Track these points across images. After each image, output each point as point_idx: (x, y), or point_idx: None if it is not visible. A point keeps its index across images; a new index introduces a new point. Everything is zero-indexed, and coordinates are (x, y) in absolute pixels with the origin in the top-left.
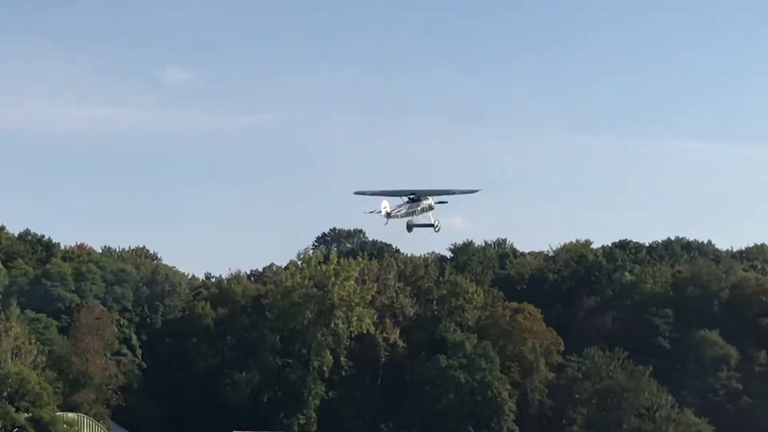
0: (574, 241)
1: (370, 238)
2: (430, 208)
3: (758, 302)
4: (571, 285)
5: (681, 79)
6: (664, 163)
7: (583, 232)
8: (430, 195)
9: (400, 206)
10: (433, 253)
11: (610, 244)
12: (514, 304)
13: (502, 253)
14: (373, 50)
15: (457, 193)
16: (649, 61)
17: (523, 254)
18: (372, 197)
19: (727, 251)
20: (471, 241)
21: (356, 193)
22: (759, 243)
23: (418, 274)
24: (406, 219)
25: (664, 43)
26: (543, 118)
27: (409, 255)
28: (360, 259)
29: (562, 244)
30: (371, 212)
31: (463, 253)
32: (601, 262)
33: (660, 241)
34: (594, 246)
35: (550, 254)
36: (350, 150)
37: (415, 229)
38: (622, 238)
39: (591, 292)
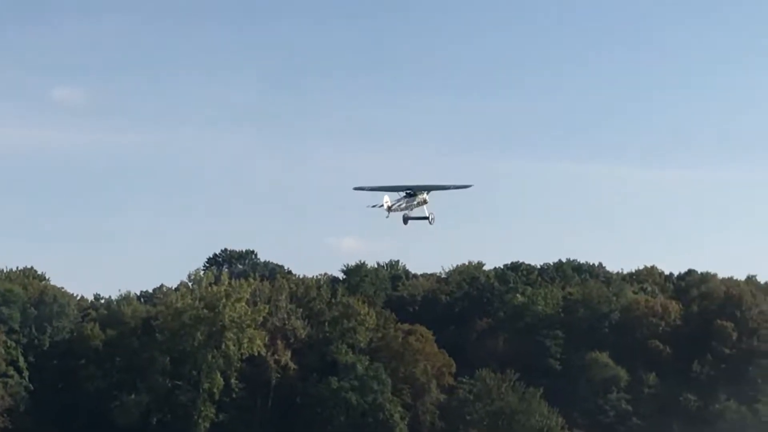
0: (467, 263)
1: (262, 259)
2: (425, 202)
3: (648, 324)
4: (463, 307)
5: (571, 101)
6: (554, 185)
7: (475, 254)
8: (425, 190)
9: (399, 200)
10: (325, 274)
11: (502, 266)
12: (407, 326)
13: (394, 274)
14: (266, 70)
15: (452, 188)
16: (535, 83)
17: (415, 276)
18: (372, 192)
19: (617, 273)
20: (363, 262)
21: (356, 188)
22: (649, 265)
23: (310, 295)
24: (403, 212)
25: (554, 67)
26: (423, 140)
27: (301, 276)
28: (251, 280)
29: (454, 265)
30: (373, 206)
31: (356, 274)
32: (494, 284)
33: (551, 263)
34: (486, 268)
35: (443, 276)
36: (241, 169)
37: (408, 221)
38: (514, 260)
39: (483, 313)
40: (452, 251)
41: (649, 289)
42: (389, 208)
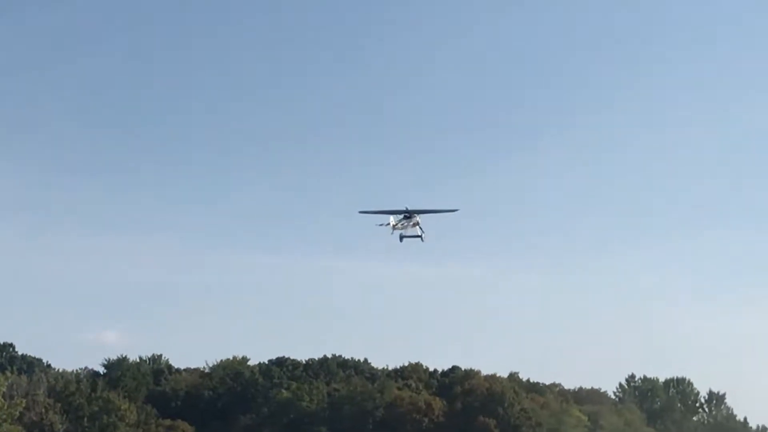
0: (231, 358)
1: (20, 353)
2: (417, 223)
3: (411, 420)
4: (227, 402)
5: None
6: (319, 280)
7: (240, 349)
8: (418, 213)
9: (400, 221)
10: (86, 368)
11: (267, 361)
12: (168, 422)
13: (157, 368)
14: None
15: (441, 212)
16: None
17: (178, 370)
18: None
19: (382, 369)
20: (125, 356)
21: (361, 212)
22: (413, 362)
23: (69, 389)
24: (402, 231)
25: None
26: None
27: (60, 370)
28: (8, 373)
29: (218, 360)
30: (380, 225)
31: (117, 368)
32: (258, 380)
33: (316, 358)
34: (251, 363)
35: (207, 371)
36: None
37: (404, 239)
38: (280, 355)
39: (247, 409)
40: (217, 345)
41: (414, 385)
42: (394, 227)
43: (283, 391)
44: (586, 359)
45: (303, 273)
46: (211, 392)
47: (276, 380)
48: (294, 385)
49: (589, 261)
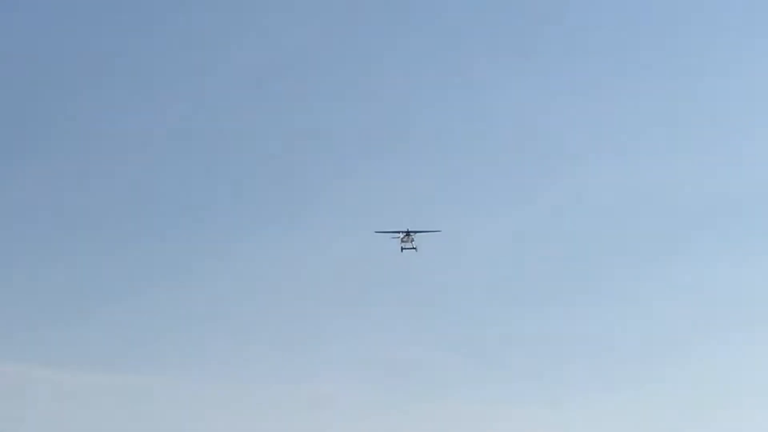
0: None
1: None
2: (413, 239)
3: None
4: None
5: None
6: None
7: None
8: (414, 233)
9: (402, 238)
10: None
11: None
12: None
13: None
14: None
15: (424, 232)
16: None
17: None
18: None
19: None
20: None
21: (377, 232)
22: None
23: None
24: (403, 244)
25: None
26: None
27: None
28: None
29: None
30: (393, 238)
31: None
32: None
33: None
34: None
35: None
36: None
37: (404, 250)
38: None
39: None
40: None
41: None
42: (402, 240)
43: None
44: None
45: None
46: None
47: None
48: None
49: None
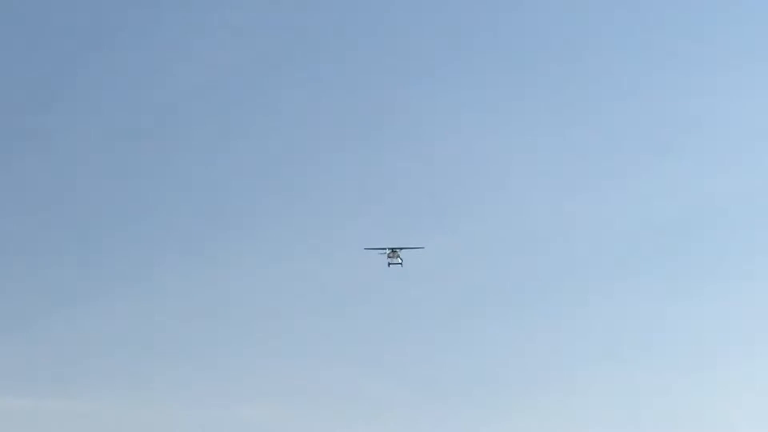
0: None
1: None
2: (399, 255)
3: None
4: None
5: None
6: None
7: None
8: (400, 249)
9: (388, 254)
10: None
11: None
12: None
13: None
14: None
15: (408, 249)
16: None
17: None
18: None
19: None
20: None
21: (366, 249)
22: None
23: None
24: (390, 260)
25: None
26: None
27: None
28: None
29: None
30: (381, 254)
31: None
32: None
33: None
34: None
35: None
36: None
37: (391, 265)
38: None
39: None
40: None
41: None
42: (389, 256)
43: None
44: None
45: None
46: None
47: None
48: None
49: None
